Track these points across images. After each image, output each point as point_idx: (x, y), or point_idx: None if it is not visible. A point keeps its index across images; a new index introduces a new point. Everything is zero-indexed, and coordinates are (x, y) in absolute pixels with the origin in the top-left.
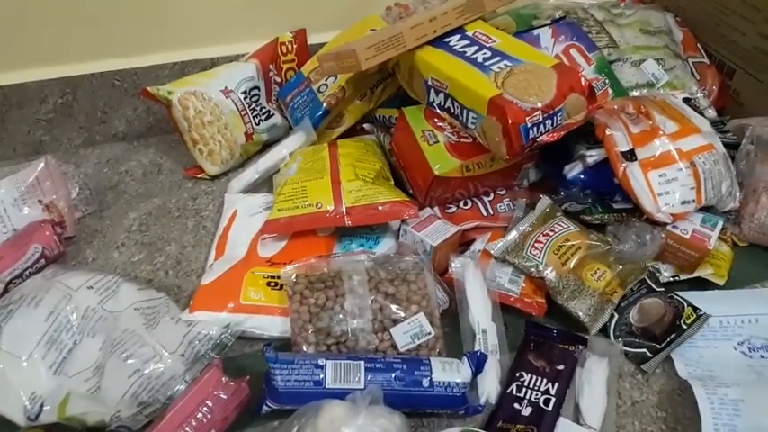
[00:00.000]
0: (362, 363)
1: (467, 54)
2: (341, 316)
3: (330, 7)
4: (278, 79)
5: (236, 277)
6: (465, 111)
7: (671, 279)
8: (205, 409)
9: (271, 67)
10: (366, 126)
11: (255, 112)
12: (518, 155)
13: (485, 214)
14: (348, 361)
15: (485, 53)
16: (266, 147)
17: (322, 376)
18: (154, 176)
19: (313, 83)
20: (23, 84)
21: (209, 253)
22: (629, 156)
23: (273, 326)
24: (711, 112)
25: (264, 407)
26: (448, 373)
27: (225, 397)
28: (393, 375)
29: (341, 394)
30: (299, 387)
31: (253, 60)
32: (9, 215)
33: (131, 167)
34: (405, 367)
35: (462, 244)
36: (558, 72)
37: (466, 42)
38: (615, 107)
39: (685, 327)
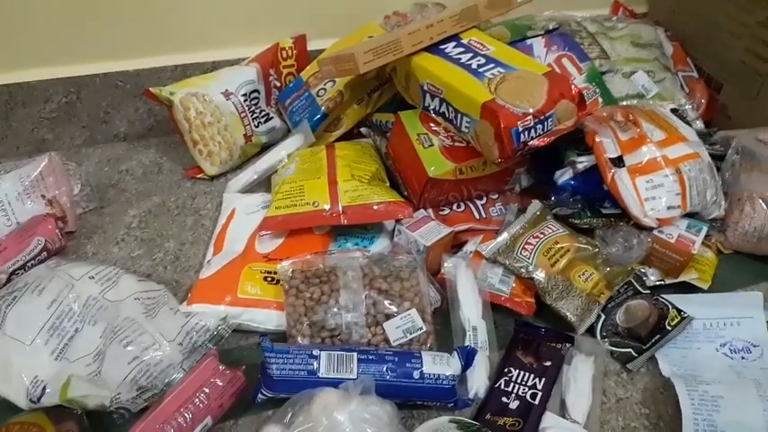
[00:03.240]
0: (355, 354)
1: (462, 61)
2: (335, 310)
3: (329, 15)
4: (278, 83)
5: (234, 272)
6: (459, 115)
7: (657, 283)
8: (202, 395)
9: (271, 71)
10: (363, 130)
11: (255, 115)
12: (509, 158)
13: (477, 217)
14: (341, 352)
15: (479, 60)
16: (265, 149)
17: (316, 366)
18: (154, 176)
19: (312, 87)
20: (29, 83)
21: (207, 249)
22: (618, 162)
23: (269, 319)
24: (699, 124)
25: (259, 395)
26: (438, 366)
27: (221, 384)
28: (385, 367)
29: (334, 383)
30: (294, 376)
31: (253, 64)
32: (13, 208)
33: (132, 167)
34: (396, 359)
35: (455, 245)
36: (550, 79)
37: (461, 50)
38: (604, 115)
39: (670, 328)
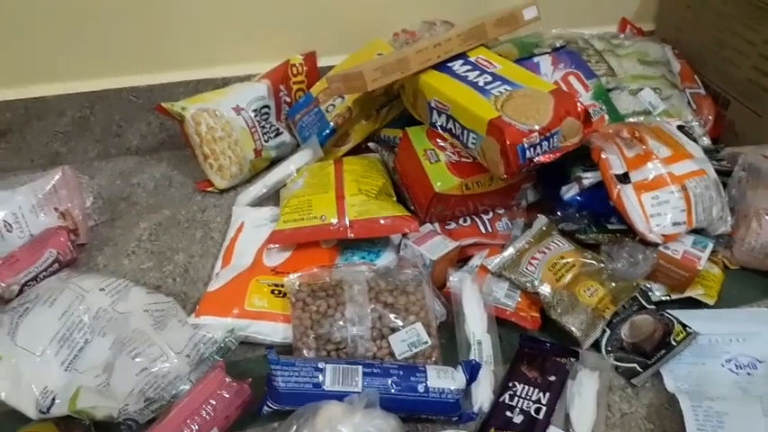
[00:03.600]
0: (360, 367)
1: (469, 78)
2: (341, 323)
3: (339, 32)
4: (288, 99)
5: (242, 285)
6: (466, 131)
7: (663, 298)
8: (209, 407)
9: (281, 87)
10: (371, 145)
11: (265, 130)
12: (515, 174)
13: (483, 231)
14: (347, 365)
15: (486, 78)
16: (274, 163)
17: (321, 379)
18: (165, 189)
19: (321, 103)
20: (44, 97)
21: (215, 262)
22: (624, 178)
23: (276, 332)
24: (706, 141)
25: (265, 407)
26: (443, 380)
27: (228, 396)
28: (390, 380)
29: (339, 397)
30: (299, 388)
31: (264, 80)
32: (27, 221)
33: (143, 180)
34: (401, 373)
35: (461, 260)
36: (556, 97)
37: (468, 67)
38: (610, 131)
39: (675, 344)
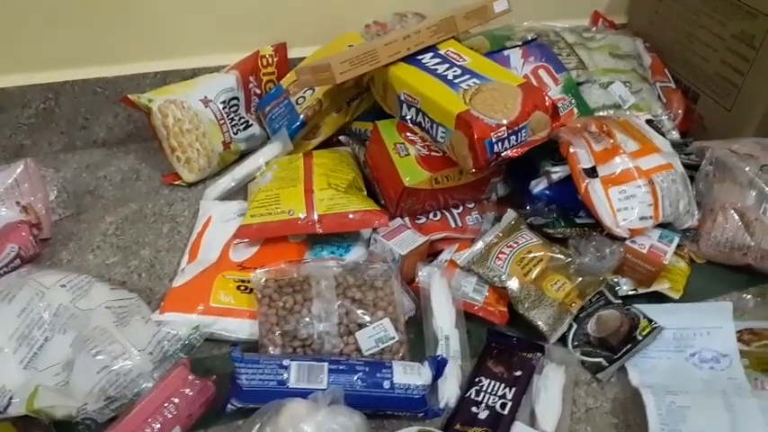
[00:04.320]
0: (326, 364)
1: (438, 71)
2: (307, 319)
3: (310, 23)
4: (258, 91)
5: (207, 280)
6: (435, 125)
7: (630, 293)
8: (171, 405)
9: (251, 78)
10: (342, 138)
11: (234, 122)
12: (484, 168)
13: (453, 226)
14: (312, 362)
15: (455, 71)
16: (244, 156)
17: (286, 376)
18: (132, 182)
19: (291, 95)
20: (6, 88)
21: (182, 257)
22: (591, 172)
23: (242, 328)
24: (675, 134)
25: (229, 405)
26: (409, 376)
27: (191, 394)
28: (355, 377)
29: (304, 394)
30: (263, 386)
31: (233, 72)
32: None
33: (110, 173)
34: (367, 369)
35: (431, 254)
36: (524, 91)
37: (438, 60)
38: (579, 126)
39: (640, 338)
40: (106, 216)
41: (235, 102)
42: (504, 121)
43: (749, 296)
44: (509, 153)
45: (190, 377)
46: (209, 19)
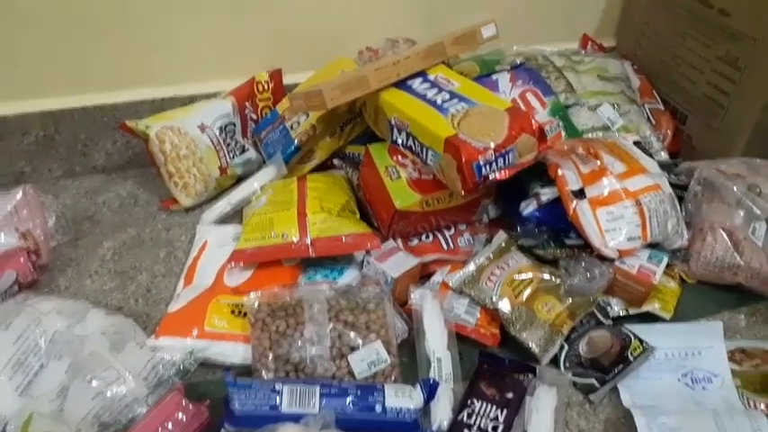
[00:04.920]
0: (318, 388)
1: (427, 96)
2: (300, 343)
3: (305, 50)
4: (254, 116)
5: (202, 305)
6: (425, 149)
7: (620, 313)
8: (165, 430)
9: (247, 104)
10: (336, 162)
11: (230, 147)
12: (472, 191)
13: (445, 248)
14: (304, 386)
15: (444, 96)
16: (240, 180)
17: (278, 400)
18: (130, 207)
19: (286, 120)
20: (6, 116)
21: (178, 282)
22: (579, 194)
23: (236, 353)
24: (664, 155)
25: (222, 430)
26: (400, 399)
27: (185, 419)
28: (347, 400)
29: (296, 418)
30: (256, 411)
31: (229, 98)
32: None
33: (109, 198)
34: (359, 393)
35: (424, 276)
36: (511, 114)
37: (427, 85)
38: (566, 148)
39: (632, 359)
40: (104, 241)
41: (231, 127)
42: (492, 145)
43: (741, 315)
44: (497, 175)
45: (184, 402)
46: (206, 46)
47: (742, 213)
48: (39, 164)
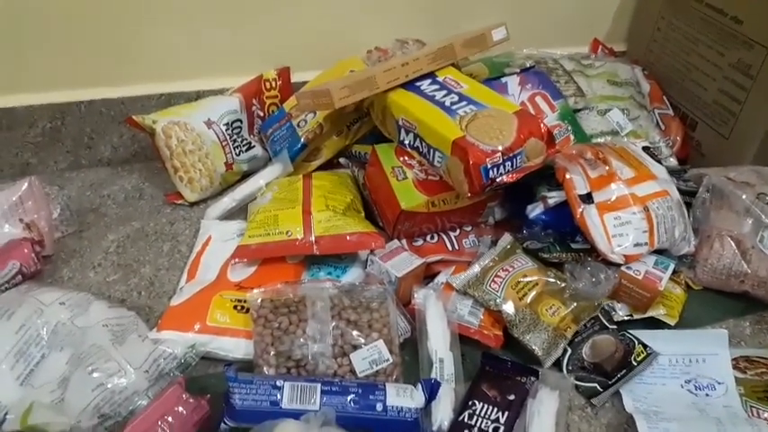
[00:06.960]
0: (319, 385)
1: (436, 98)
2: (302, 340)
3: (314, 48)
4: (261, 113)
5: (205, 299)
6: (432, 150)
7: (625, 318)
8: (164, 424)
9: (254, 101)
10: (342, 160)
11: (237, 143)
12: (479, 193)
13: (450, 248)
14: (305, 383)
15: (452, 98)
16: (246, 177)
17: (279, 396)
18: (135, 201)
19: (293, 118)
20: (13, 108)
21: (181, 276)
22: (587, 198)
23: (237, 348)
24: (672, 161)
25: (222, 425)
26: (402, 398)
27: (185, 413)
28: (348, 398)
29: (296, 415)
30: (256, 406)
31: (236, 94)
32: None
33: (114, 191)
34: (360, 391)
35: (428, 276)
36: (519, 118)
37: (436, 87)
38: (574, 152)
39: (635, 364)
40: (108, 234)
41: (238, 124)
42: (500, 148)
43: (746, 323)
44: (504, 179)
45: (184, 396)
46: (215, 43)
47: (750, 222)
48: (45, 156)
